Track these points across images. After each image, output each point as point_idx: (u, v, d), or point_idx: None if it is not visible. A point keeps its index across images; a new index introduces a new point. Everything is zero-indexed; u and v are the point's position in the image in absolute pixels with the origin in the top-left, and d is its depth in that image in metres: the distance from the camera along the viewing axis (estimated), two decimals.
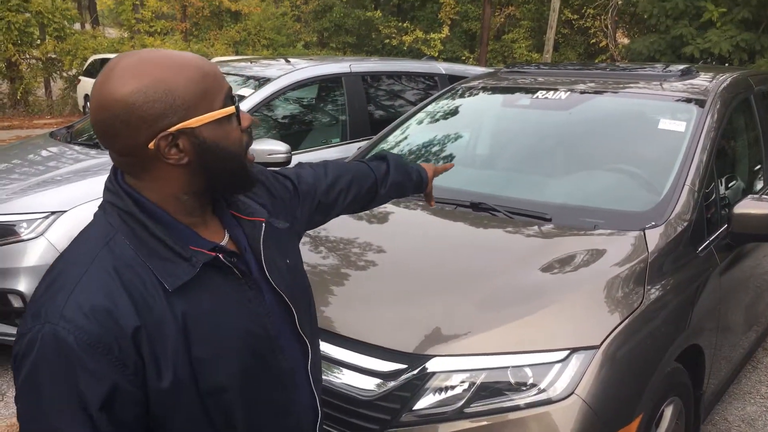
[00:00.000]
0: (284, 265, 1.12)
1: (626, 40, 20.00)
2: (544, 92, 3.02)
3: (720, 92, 2.77)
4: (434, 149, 3.03)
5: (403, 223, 2.47)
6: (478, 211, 2.41)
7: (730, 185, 2.69)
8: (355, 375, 1.84)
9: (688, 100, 2.74)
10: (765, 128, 3.21)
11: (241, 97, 3.83)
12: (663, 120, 2.63)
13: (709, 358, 2.30)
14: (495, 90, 3.33)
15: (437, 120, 3.25)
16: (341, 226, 2.47)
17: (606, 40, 19.46)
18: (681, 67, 3.09)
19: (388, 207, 2.57)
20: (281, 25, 20.96)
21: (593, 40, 20.00)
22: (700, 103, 2.68)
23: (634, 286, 1.94)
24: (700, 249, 2.26)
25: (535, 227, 2.26)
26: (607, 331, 1.79)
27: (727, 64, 11.76)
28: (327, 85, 4.32)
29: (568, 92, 2.96)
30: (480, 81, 3.48)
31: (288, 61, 4.44)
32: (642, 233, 2.13)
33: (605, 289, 1.91)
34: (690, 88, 2.86)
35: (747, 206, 2.36)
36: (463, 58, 20.88)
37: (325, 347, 1.90)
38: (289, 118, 4.17)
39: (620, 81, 3.08)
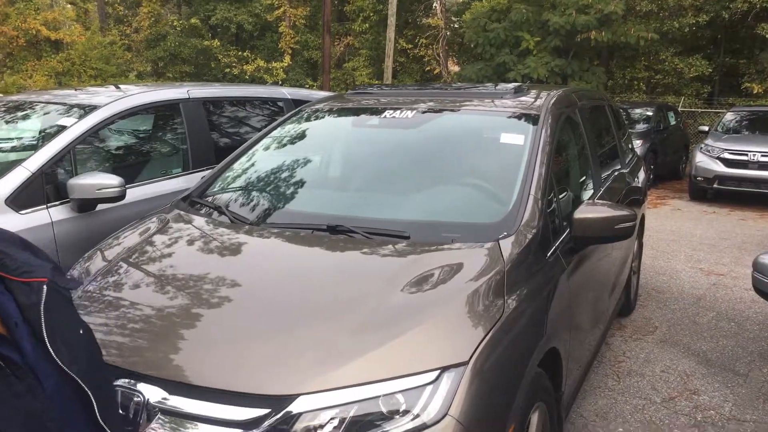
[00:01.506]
0: (77, 337, 0.87)
1: (457, 68, 21.41)
2: (392, 111, 3.03)
3: (550, 107, 2.95)
4: (284, 174, 2.89)
5: (258, 253, 2.29)
6: (336, 233, 2.31)
7: (565, 194, 2.85)
8: (212, 428, 1.63)
9: (524, 116, 2.89)
10: (590, 140, 3.49)
11: (62, 128, 3.41)
12: (504, 134, 2.74)
13: (565, 359, 2.38)
14: (343, 111, 3.29)
15: (285, 144, 3.13)
16: (189, 262, 2.25)
17: (439, 67, 20.70)
18: (513, 85, 3.27)
19: (242, 237, 2.38)
20: (110, 55, 19.59)
21: (428, 68, 21.16)
22: (534, 119, 2.83)
23: (494, 297, 1.95)
24: (548, 255, 2.35)
25: (395, 246, 2.20)
26: (473, 345, 1.76)
27: None
28: (163, 112, 4.01)
29: (415, 111, 3.00)
30: (327, 103, 3.42)
31: (118, 87, 4.07)
32: (496, 244, 2.16)
33: (468, 303, 1.89)
34: (524, 104, 3.02)
35: (584, 211, 2.51)
36: (307, 86, 21.02)
37: (176, 401, 1.67)
38: (121, 149, 3.79)
39: (461, 99, 3.18)
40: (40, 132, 3.55)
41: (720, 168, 9.58)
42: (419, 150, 2.85)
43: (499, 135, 2.74)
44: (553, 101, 3.06)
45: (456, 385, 1.66)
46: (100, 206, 3.35)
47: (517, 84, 3.30)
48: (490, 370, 1.78)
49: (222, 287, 2.04)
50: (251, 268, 2.17)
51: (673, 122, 12.82)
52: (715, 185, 9.65)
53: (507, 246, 2.16)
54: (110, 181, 3.24)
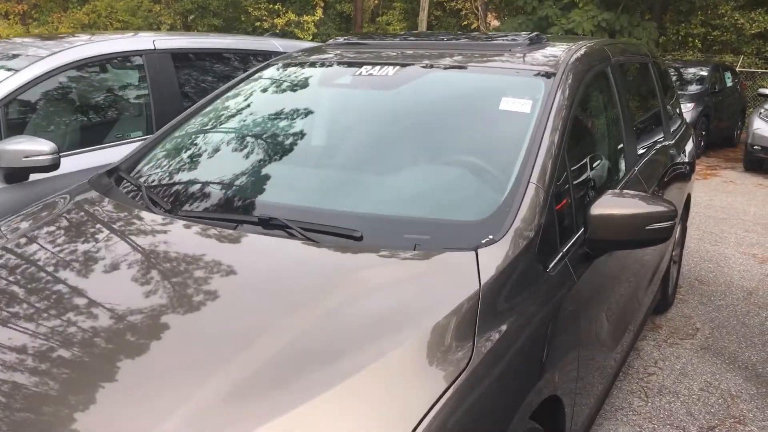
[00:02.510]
0: None
1: (497, 22, 20.21)
2: (369, 68, 2.40)
3: (571, 64, 2.28)
4: (224, 148, 2.31)
5: (153, 260, 1.72)
6: (270, 229, 1.74)
7: (583, 178, 2.20)
8: None
9: (535, 74, 2.23)
10: (625, 106, 2.80)
11: None
12: (504, 99, 2.09)
13: (570, 406, 1.80)
14: (314, 65, 2.67)
15: (236, 109, 2.53)
16: (57, 271, 1.71)
17: (477, 21, 19.57)
18: (529, 35, 2.59)
19: (147, 233, 1.84)
20: (137, 7, 19.07)
21: (465, 22, 20.07)
22: (549, 77, 2.17)
23: (458, 338, 1.36)
24: (551, 266, 1.73)
25: (338, 251, 1.63)
26: (414, 419, 1.18)
27: None
28: (121, 66, 3.46)
29: (397, 68, 2.36)
30: (300, 55, 2.81)
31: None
32: (474, 254, 1.56)
33: (415, 350, 1.31)
34: (538, 59, 2.35)
35: (605, 205, 1.87)
36: None
37: None
38: (67, 110, 3.27)
39: (460, 53, 2.52)
40: None
41: None
42: (394, 120, 2.23)
43: (498, 100, 2.10)
44: (576, 56, 2.38)
45: None
46: (34, 176, 2.86)
47: (534, 33, 2.62)
48: None
49: (79, 307, 1.50)
50: (131, 284, 1.60)
51: (729, 83, 11.67)
52: None
53: (488, 257, 1.56)
54: (40, 147, 2.73)
